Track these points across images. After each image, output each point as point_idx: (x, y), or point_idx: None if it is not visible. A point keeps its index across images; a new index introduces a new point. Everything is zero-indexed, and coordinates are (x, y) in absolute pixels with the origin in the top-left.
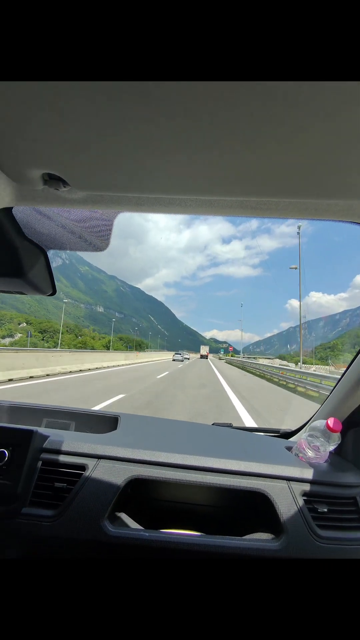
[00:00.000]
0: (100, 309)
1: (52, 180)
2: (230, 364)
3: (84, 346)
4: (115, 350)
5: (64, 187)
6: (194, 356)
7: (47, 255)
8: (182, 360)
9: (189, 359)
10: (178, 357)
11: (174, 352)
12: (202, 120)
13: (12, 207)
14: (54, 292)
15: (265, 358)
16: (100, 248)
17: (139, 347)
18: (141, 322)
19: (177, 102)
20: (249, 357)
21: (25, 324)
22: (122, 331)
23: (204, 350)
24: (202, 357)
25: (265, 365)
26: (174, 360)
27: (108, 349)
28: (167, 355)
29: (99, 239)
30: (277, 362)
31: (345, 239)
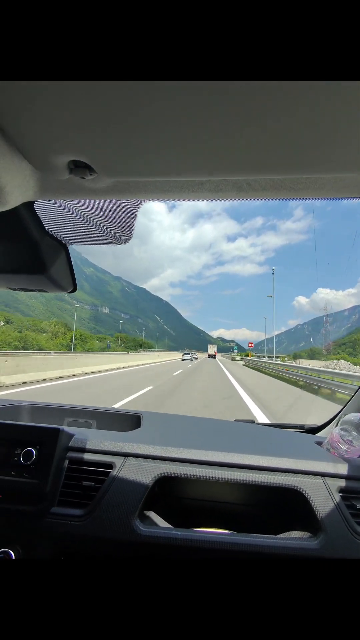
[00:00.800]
0: (106, 310)
1: (77, 168)
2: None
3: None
4: (113, 351)
5: (90, 175)
6: (202, 356)
7: (68, 251)
8: (191, 360)
9: (197, 358)
10: (187, 357)
11: (182, 352)
12: (221, 102)
13: (34, 202)
14: (74, 289)
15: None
16: (122, 240)
17: (139, 346)
18: (147, 323)
19: (200, 90)
20: (269, 357)
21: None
22: (128, 332)
23: (212, 349)
24: (209, 356)
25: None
26: (183, 360)
27: (105, 348)
28: (172, 356)
29: (122, 231)
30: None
31: (353, 233)
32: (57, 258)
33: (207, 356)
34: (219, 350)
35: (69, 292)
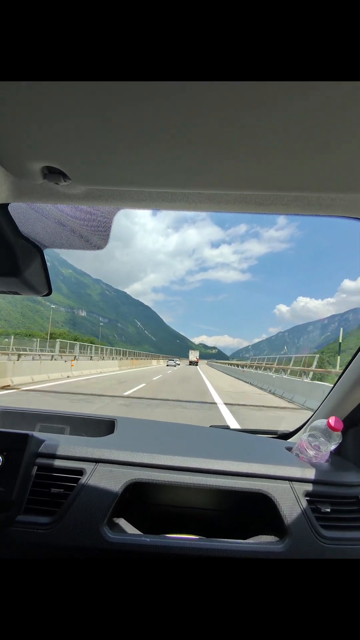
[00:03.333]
0: (83, 313)
1: (51, 174)
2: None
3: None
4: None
5: (64, 181)
6: (183, 362)
7: (43, 254)
8: (175, 366)
9: (179, 364)
10: (171, 362)
11: (167, 359)
12: (204, 115)
13: (8, 204)
14: (49, 292)
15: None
16: (98, 246)
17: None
18: (127, 327)
19: (179, 97)
20: (259, 363)
21: None
22: (105, 337)
23: (193, 355)
24: (191, 363)
25: None
26: (167, 365)
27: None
28: (143, 364)
29: (98, 237)
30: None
31: (333, 244)
32: (31, 261)
33: (188, 363)
34: (201, 357)
35: (44, 296)
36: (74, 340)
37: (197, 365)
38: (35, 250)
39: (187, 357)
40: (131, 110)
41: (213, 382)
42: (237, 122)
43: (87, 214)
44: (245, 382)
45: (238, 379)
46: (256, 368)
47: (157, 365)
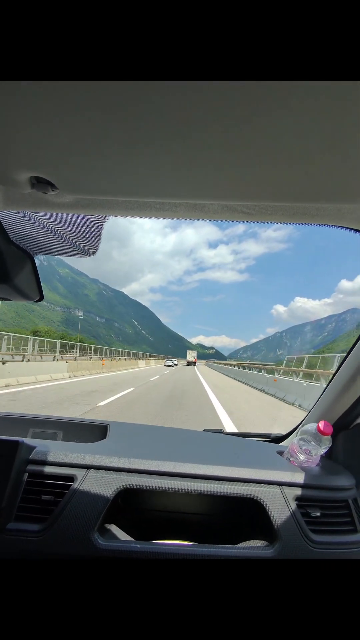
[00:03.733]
0: (80, 313)
1: (40, 183)
2: None
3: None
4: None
5: (52, 190)
6: (181, 362)
7: (34, 261)
8: (172, 366)
9: (177, 364)
10: (169, 363)
11: (165, 359)
12: (193, 125)
13: None
14: (41, 298)
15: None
16: (88, 253)
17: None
18: (125, 327)
19: (168, 106)
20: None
21: None
22: (101, 336)
23: (191, 355)
24: (188, 363)
25: None
26: (165, 365)
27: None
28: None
29: (88, 244)
30: None
31: (330, 244)
32: (22, 268)
33: (186, 363)
34: (199, 357)
35: (35, 302)
36: (61, 338)
37: (194, 365)
38: (26, 256)
39: (185, 357)
40: (119, 121)
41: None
42: (227, 132)
43: (77, 221)
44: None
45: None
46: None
47: (145, 368)
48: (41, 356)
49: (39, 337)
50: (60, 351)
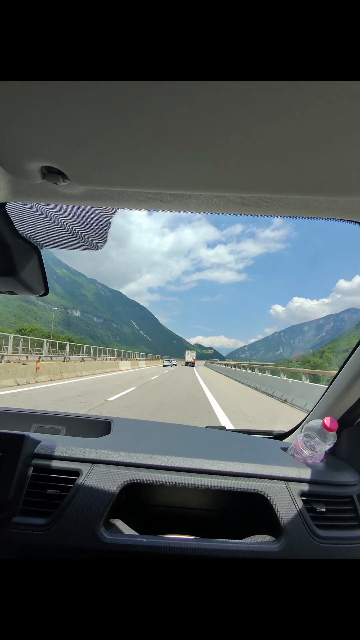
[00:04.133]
0: (77, 314)
1: (50, 174)
2: None
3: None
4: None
5: (63, 181)
6: (179, 363)
7: (40, 254)
8: (171, 366)
9: (175, 364)
10: (168, 363)
11: (163, 359)
12: (204, 116)
13: (5, 203)
14: (46, 292)
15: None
16: (96, 246)
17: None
18: (122, 327)
19: (179, 98)
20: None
21: None
22: (99, 337)
23: (190, 356)
24: (187, 364)
25: None
26: (164, 366)
27: None
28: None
29: (96, 237)
30: None
31: (328, 244)
32: (28, 261)
33: (184, 363)
34: (198, 357)
35: (41, 296)
36: (47, 337)
37: (193, 365)
38: (33, 249)
39: (184, 357)
40: (131, 111)
41: None
42: (236, 124)
43: (85, 213)
44: None
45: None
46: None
47: (122, 372)
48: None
49: (24, 335)
50: (51, 350)
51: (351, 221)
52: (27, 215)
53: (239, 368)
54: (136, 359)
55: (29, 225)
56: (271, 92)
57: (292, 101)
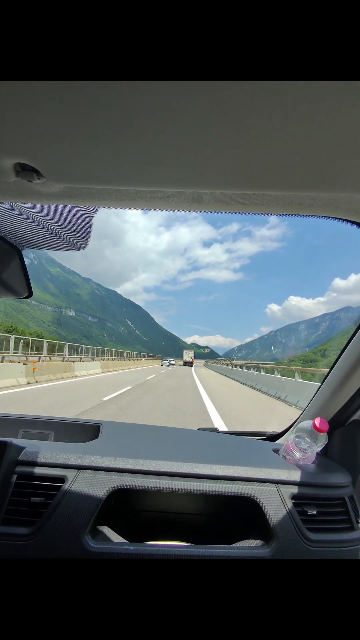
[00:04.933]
0: (71, 313)
1: (24, 171)
2: None
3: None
4: None
5: (38, 179)
6: (177, 362)
7: (22, 255)
8: (169, 366)
9: (174, 364)
10: (165, 362)
11: (161, 359)
12: (186, 112)
13: None
14: (29, 295)
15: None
16: (79, 247)
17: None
18: (118, 327)
19: (161, 93)
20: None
21: None
22: (93, 336)
23: (188, 355)
24: (185, 364)
25: None
26: (162, 365)
27: None
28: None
29: (78, 237)
30: None
31: (324, 243)
32: (9, 262)
33: (182, 363)
34: (195, 357)
35: (24, 297)
36: (20, 334)
37: (192, 365)
38: (13, 250)
39: (181, 357)
40: (109, 106)
41: None
42: (221, 120)
43: (66, 213)
44: None
45: None
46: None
47: (91, 377)
48: None
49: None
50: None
51: (337, 218)
52: (5, 215)
53: (244, 368)
54: (116, 359)
55: (8, 226)
56: (261, 90)
57: (282, 99)
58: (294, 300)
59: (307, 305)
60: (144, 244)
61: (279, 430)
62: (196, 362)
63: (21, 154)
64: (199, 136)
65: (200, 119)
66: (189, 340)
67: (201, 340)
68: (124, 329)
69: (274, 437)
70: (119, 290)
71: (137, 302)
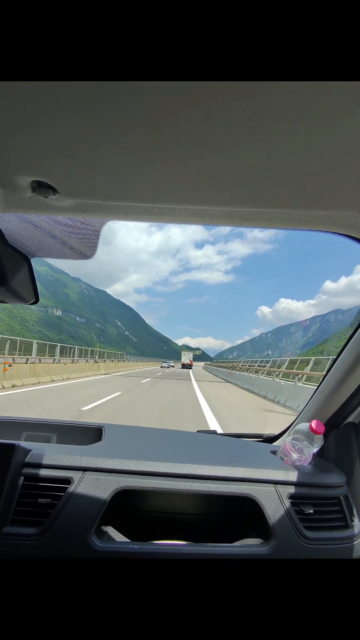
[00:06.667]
0: (58, 313)
1: (41, 188)
2: None
3: None
4: None
5: (53, 194)
6: (176, 364)
7: (30, 263)
8: (168, 367)
9: (173, 366)
10: (165, 365)
11: (161, 361)
12: (193, 132)
13: None
14: (36, 301)
15: None
16: (86, 256)
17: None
18: (107, 328)
19: (168, 114)
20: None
21: None
22: (81, 337)
23: (186, 357)
24: (184, 366)
25: None
26: (161, 367)
27: None
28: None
29: (85, 247)
30: None
31: (315, 246)
32: (18, 270)
33: (180, 366)
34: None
35: (31, 304)
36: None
37: (190, 368)
38: (22, 259)
39: (174, 359)
40: (120, 126)
41: None
42: (226, 140)
43: (76, 224)
44: None
45: None
46: None
47: None
48: None
49: None
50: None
51: (334, 232)
52: (16, 226)
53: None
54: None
55: (19, 235)
56: (263, 112)
57: (283, 120)
58: (285, 303)
59: (297, 308)
60: (135, 244)
61: (276, 432)
62: (195, 364)
63: (38, 173)
64: (205, 157)
65: (206, 140)
66: (180, 341)
67: (192, 342)
68: (114, 329)
69: (271, 439)
70: (109, 291)
71: (127, 303)
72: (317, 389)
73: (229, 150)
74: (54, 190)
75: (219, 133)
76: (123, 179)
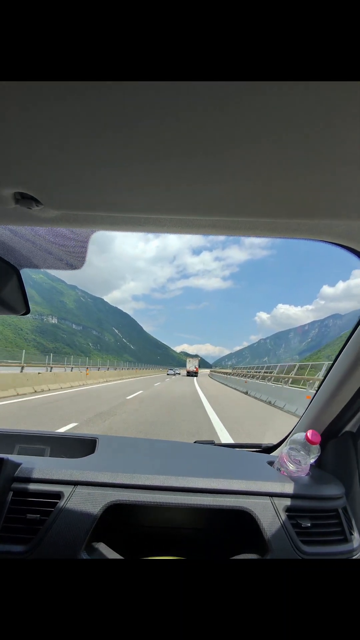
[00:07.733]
0: (54, 320)
1: (24, 199)
2: None
3: None
4: None
5: (37, 206)
6: (162, 373)
7: (20, 275)
8: (174, 375)
9: (179, 373)
10: (171, 372)
11: (167, 369)
12: (180, 142)
13: None
14: (27, 312)
15: None
16: (75, 267)
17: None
18: (104, 336)
19: (156, 122)
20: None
21: None
22: (77, 345)
23: (192, 364)
24: (189, 374)
25: None
26: (167, 374)
27: None
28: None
29: (74, 257)
30: None
31: (312, 251)
32: (8, 281)
33: (185, 373)
34: (185, 365)
35: (22, 315)
36: None
37: (196, 376)
38: (12, 270)
39: (174, 367)
40: (105, 136)
41: None
42: (215, 150)
43: (62, 235)
44: None
45: None
46: None
47: None
48: None
49: None
50: None
51: (331, 243)
52: (4, 237)
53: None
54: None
55: (7, 247)
56: (259, 120)
57: (279, 128)
58: (283, 308)
59: (295, 313)
60: (132, 251)
61: (275, 442)
62: (200, 372)
63: (20, 184)
64: (192, 168)
65: (193, 150)
66: (178, 349)
67: (190, 349)
68: (111, 337)
69: (269, 449)
70: (106, 298)
71: (125, 311)
72: (313, 398)
73: (218, 160)
74: (37, 201)
75: (208, 142)
76: (107, 189)
